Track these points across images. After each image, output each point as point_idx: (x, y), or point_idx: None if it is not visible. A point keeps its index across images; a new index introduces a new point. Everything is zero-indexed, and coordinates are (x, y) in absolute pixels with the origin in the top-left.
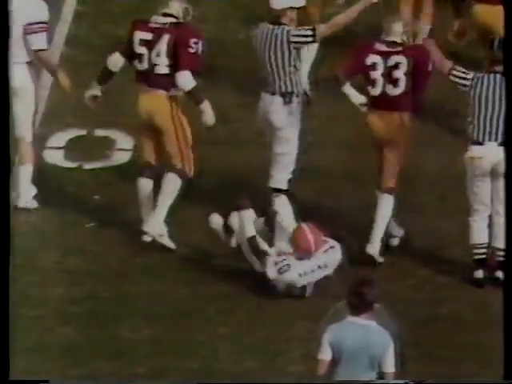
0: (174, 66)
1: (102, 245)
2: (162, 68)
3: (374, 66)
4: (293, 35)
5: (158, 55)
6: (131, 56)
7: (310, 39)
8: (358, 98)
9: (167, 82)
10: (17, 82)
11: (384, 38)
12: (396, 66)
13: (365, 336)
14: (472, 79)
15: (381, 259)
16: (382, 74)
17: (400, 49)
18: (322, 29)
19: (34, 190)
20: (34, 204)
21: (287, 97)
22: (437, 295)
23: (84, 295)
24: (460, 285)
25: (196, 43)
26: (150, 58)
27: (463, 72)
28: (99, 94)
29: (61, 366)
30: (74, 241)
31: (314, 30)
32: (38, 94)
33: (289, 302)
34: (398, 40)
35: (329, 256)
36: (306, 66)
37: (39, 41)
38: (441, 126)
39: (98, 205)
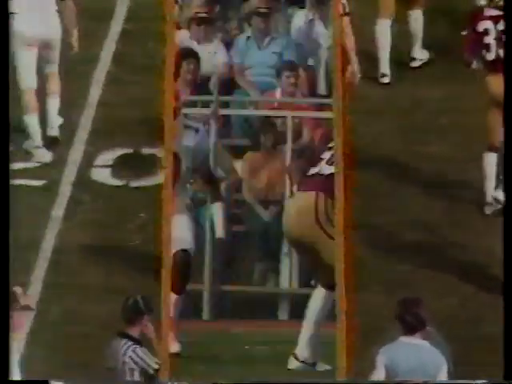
0: None
1: (145, 262)
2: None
3: (486, 32)
4: None
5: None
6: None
7: None
8: None
9: None
10: (45, 30)
11: (496, 1)
12: None
13: (419, 356)
14: None
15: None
16: (495, 39)
17: None
18: None
19: (39, 137)
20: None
21: None
22: (480, 313)
23: None
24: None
25: None
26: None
27: None
28: None
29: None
30: (118, 259)
31: None
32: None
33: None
34: None
35: None
36: None
37: None
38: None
39: (143, 222)
